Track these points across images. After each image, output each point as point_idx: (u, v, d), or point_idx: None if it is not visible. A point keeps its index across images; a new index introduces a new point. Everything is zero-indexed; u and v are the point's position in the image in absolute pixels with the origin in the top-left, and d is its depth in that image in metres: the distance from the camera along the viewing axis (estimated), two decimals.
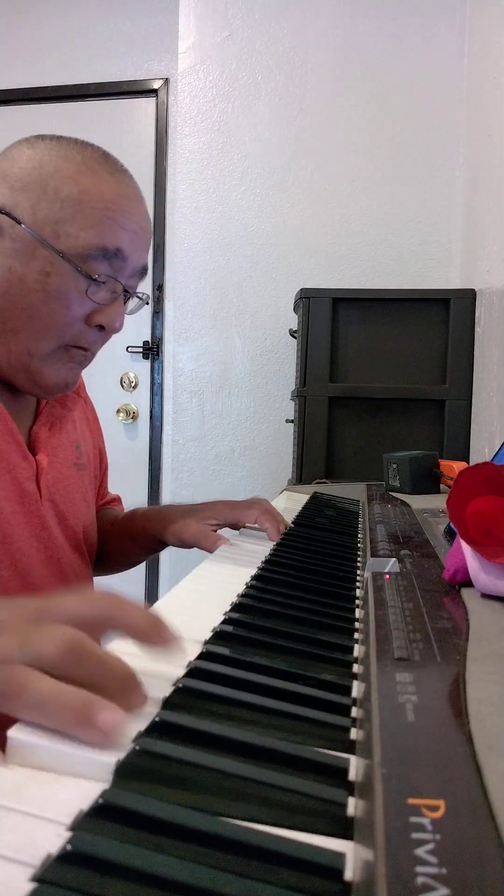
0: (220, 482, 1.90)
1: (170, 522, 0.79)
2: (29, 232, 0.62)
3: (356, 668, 0.38)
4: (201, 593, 0.53)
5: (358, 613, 0.49)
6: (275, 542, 0.72)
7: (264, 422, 1.90)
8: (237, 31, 1.85)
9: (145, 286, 0.75)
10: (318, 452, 1.51)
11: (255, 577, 0.55)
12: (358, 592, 0.54)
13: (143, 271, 0.70)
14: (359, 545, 0.75)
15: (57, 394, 0.71)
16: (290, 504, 1.08)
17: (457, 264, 1.78)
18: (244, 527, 0.81)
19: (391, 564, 0.54)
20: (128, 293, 0.69)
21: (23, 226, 0.62)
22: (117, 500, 0.98)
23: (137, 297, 0.72)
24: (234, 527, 0.81)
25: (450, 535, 0.69)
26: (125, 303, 0.69)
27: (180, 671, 0.36)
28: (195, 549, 0.76)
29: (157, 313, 2.33)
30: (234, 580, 0.54)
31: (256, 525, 0.78)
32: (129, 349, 2.32)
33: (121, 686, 0.30)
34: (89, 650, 0.30)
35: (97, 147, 0.67)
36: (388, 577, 0.50)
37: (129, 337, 2.31)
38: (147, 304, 0.75)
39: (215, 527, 0.78)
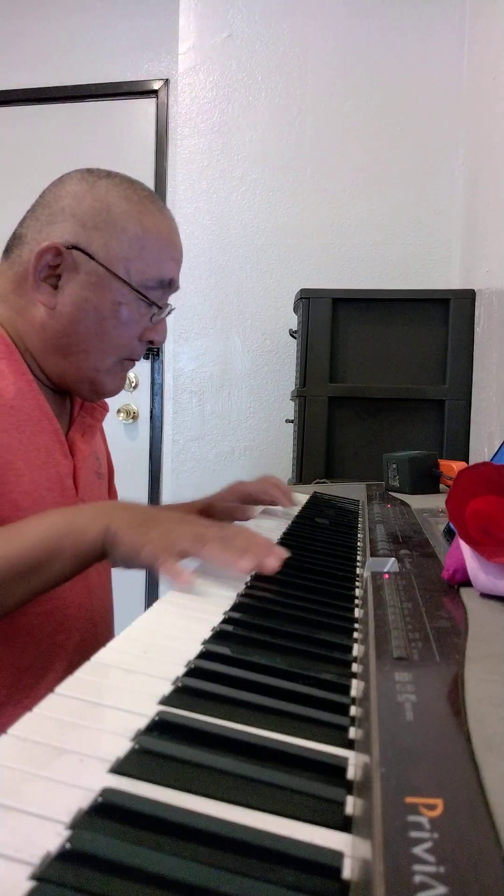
0: (220, 482, 1.87)
1: (199, 508, 0.90)
2: (104, 268, 0.71)
3: (355, 667, 0.38)
4: (201, 592, 0.53)
5: (357, 613, 0.49)
6: (279, 536, 0.73)
7: (264, 422, 1.90)
8: (237, 32, 1.85)
9: None
10: (317, 452, 1.51)
11: (254, 577, 0.55)
12: (357, 592, 0.54)
13: (177, 288, 0.80)
14: (358, 545, 0.76)
15: (108, 396, 0.81)
16: None
17: (456, 265, 1.77)
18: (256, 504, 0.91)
19: (390, 564, 0.54)
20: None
21: (97, 262, 0.71)
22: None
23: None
24: (251, 501, 0.92)
25: (449, 534, 0.69)
26: None
27: (180, 670, 0.36)
28: None
29: None
30: (234, 579, 0.54)
31: (266, 498, 0.91)
32: None
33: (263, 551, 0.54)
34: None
35: (142, 183, 0.76)
36: (387, 576, 0.50)
37: None
38: (169, 313, 0.84)
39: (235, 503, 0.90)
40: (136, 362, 0.79)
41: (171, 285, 0.76)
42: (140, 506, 0.61)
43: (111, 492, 0.98)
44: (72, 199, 0.72)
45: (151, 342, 0.77)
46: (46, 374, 0.75)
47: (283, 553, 0.56)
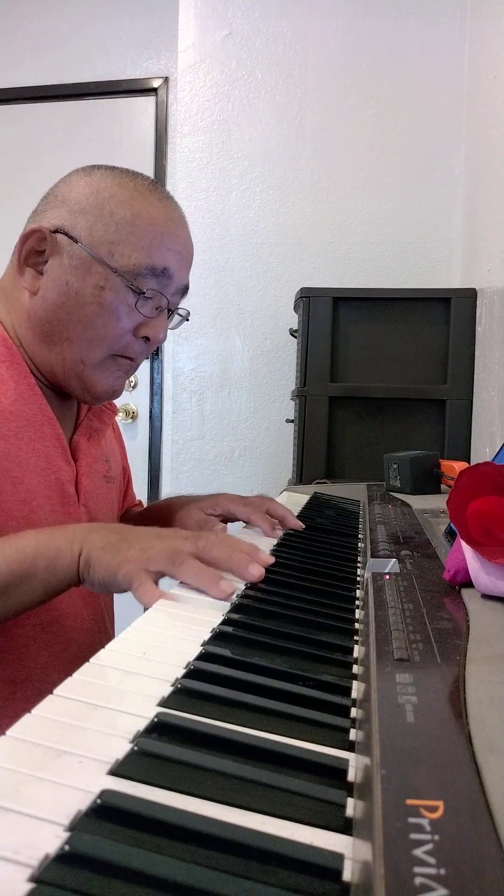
0: (220, 482, 1.90)
1: (176, 511, 0.85)
2: (86, 250, 0.68)
3: (356, 668, 0.38)
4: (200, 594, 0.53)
5: (358, 614, 0.49)
6: (275, 542, 0.72)
7: (264, 422, 1.90)
8: (237, 30, 1.85)
9: None
10: (318, 452, 1.51)
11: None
12: (358, 593, 0.54)
13: (186, 289, 0.76)
14: (359, 545, 0.75)
15: (105, 400, 0.76)
16: (290, 504, 1.08)
17: (457, 263, 1.77)
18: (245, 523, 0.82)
19: (391, 565, 0.54)
20: (170, 309, 0.74)
21: (80, 244, 0.68)
22: (140, 503, 1.04)
23: (179, 314, 0.78)
24: (234, 519, 0.84)
25: (450, 535, 0.68)
26: (168, 317, 0.75)
27: (179, 671, 0.36)
28: None
29: None
30: (234, 580, 0.54)
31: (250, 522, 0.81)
32: None
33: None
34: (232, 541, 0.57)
35: (147, 176, 0.74)
36: (388, 577, 0.50)
37: None
38: (187, 320, 0.81)
39: (218, 517, 0.83)
40: (136, 363, 0.75)
41: (166, 275, 0.70)
42: (117, 526, 0.60)
43: (127, 497, 0.97)
44: (66, 188, 0.71)
45: (148, 339, 0.73)
46: (41, 371, 0.73)
47: (269, 559, 0.56)
